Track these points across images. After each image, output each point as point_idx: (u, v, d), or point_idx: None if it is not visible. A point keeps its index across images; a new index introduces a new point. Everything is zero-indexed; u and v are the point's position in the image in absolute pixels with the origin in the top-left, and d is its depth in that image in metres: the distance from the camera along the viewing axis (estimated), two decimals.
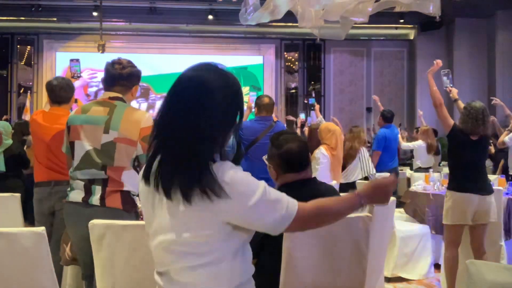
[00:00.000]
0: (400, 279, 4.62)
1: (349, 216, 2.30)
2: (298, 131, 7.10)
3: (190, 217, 1.39)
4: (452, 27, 12.18)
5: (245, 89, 13.00)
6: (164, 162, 1.42)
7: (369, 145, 8.50)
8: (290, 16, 5.32)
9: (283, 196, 1.48)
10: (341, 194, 2.53)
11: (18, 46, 12.21)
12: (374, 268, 2.56)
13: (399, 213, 5.35)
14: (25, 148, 5.90)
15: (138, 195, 2.69)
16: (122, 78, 2.70)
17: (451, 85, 4.32)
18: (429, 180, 5.48)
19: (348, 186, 5.61)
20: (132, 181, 2.61)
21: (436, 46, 12.53)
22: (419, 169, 7.46)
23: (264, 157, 2.44)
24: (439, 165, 8.49)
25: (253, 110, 4.82)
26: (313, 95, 9.84)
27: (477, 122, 3.80)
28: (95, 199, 2.54)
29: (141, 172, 1.51)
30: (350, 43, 12.08)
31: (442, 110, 3.93)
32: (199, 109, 1.42)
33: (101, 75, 2.82)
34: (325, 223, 1.61)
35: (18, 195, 3.20)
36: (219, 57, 12.71)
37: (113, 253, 2.15)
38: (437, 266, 4.76)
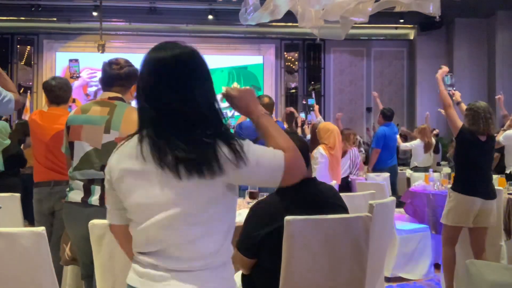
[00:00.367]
0: (400, 279, 4.62)
1: (349, 216, 2.31)
2: (299, 130, 7.09)
3: (193, 189, 1.40)
4: (452, 27, 12.19)
5: None
6: (163, 137, 1.41)
7: (366, 146, 8.53)
8: (290, 16, 5.32)
9: (269, 149, 1.52)
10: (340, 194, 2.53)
11: (18, 46, 12.22)
12: (374, 268, 2.56)
13: (399, 213, 5.35)
14: (21, 147, 5.92)
15: None
16: (120, 78, 2.70)
17: (454, 88, 4.32)
18: (429, 180, 5.48)
19: (344, 185, 5.65)
20: None
21: (436, 46, 12.54)
22: (416, 168, 7.46)
23: None
24: (438, 165, 8.48)
25: None
26: (313, 95, 9.83)
27: (486, 121, 3.81)
28: (95, 199, 2.54)
29: (130, 151, 1.50)
30: (350, 43, 12.08)
31: (451, 112, 3.92)
32: (192, 80, 1.46)
33: (100, 74, 2.80)
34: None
35: (18, 195, 3.20)
36: (219, 57, 12.72)
37: (113, 253, 2.14)
38: (437, 266, 4.77)
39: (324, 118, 8.00)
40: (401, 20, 12.06)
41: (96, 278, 2.24)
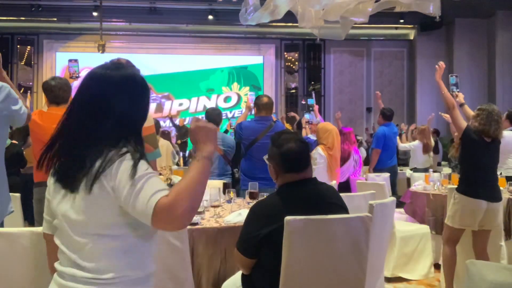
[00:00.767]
0: (400, 279, 4.62)
1: (349, 216, 2.31)
2: (304, 131, 7.05)
3: (93, 203, 1.47)
4: (452, 27, 12.19)
5: (245, 89, 13.00)
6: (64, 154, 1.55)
7: (366, 146, 8.52)
8: (290, 16, 5.32)
9: (157, 187, 1.42)
10: (341, 194, 2.53)
11: (18, 46, 12.23)
12: (374, 268, 2.56)
13: (399, 213, 5.35)
14: (22, 148, 5.93)
15: None
16: None
17: (457, 89, 4.29)
18: (429, 180, 5.47)
19: (343, 185, 5.64)
20: None
21: (436, 46, 12.55)
22: (416, 169, 7.45)
23: (265, 157, 2.44)
24: (439, 165, 8.48)
25: (252, 110, 4.82)
26: (313, 95, 9.82)
27: (497, 124, 3.79)
28: None
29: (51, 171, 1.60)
30: (350, 43, 12.10)
31: (456, 113, 3.88)
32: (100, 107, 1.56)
33: None
34: (192, 201, 1.42)
35: (18, 195, 3.20)
36: (219, 57, 12.74)
37: None
38: (437, 266, 4.76)
39: (324, 118, 8.00)
40: (401, 20, 12.07)
41: None
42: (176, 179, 4.26)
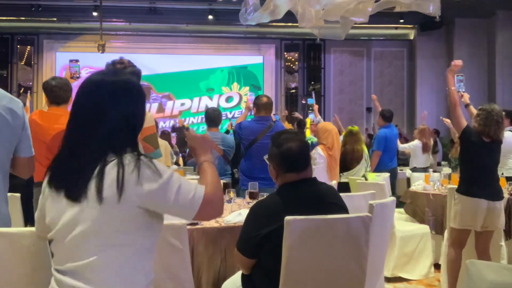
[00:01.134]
0: (400, 279, 4.62)
1: (349, 216, 2.31)
2: (309, 132, 7.05)
3: (105, 212, 1.46)
4: (452, 27, 12.19)
5: (245, 89, 13.01)
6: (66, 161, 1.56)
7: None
8: (290, 16, 5.32)
9: (192, 182, 1.60)
10: (341, 194, 2.53)
11: (18, 46, 12.23)
12: (374, 268, 2.56)
13: (399, 213, 5.35)
14: None
15: None
16: None
17: (463, 90, 4.27)
18: (429, 180, 5.47)
19: (343, 185, 5.65)
20: None
21: (436, 46, 12.54)
22: (415, 169, 7.45)
23: (265, 157, 2.44)
24: (439, 165, 8.48)
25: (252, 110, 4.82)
26: (313, 95, 9.83)
27: (498, 125, 3.75)
28: None
29: (47, 179, 1.64)
30: (350, 43, 12.09)
31: (457, 110, 3.83)
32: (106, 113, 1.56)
33: None
34: (222, 192, 1.69)
35: (18, 195, 3.20)
36: (219, 57, 12.74)
37: None
38: (437, 266, 4.76)
39: (324, 118, 8.01)
40: (401, 20, 12.07)
41: None
42: None
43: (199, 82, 12.85)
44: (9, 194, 2.36)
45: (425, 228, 4.86)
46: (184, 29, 12.34)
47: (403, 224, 5.01)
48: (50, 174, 1.60)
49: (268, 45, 13.17)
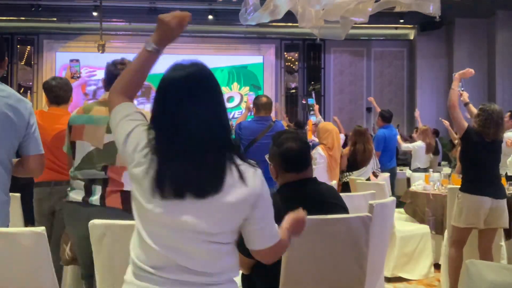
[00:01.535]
0: (400, 279, 4.62)
1: (349, 216, 2.31)
2: (310, 133, 7.05)
3: (225, 211, 1.43)
4: (452, 27, 12.18)
5: (245, 89, 13.00)
6: (190, 163, 1.42)
7: None
8: (290, 16, 5.32)
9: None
10: (341, 194, 2.53)
11: (18, 46, 12.22)
12: (374, 268, 2.56)
13: (399, 213, 5.35)
14: None
15: None
16: None
17: (462, 89, 4.27)
18: (429, 180, 5.47)
19: (346, 185, 5.66)
20: None
21: (436, 46, 12.54)
22: (418, 170, 7.46)
23: (266, 156, 2.44)
24: (439, 165, 8.49)
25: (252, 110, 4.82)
26: (313, 95, 9.83)
27: (497, 126, 3.75)
28: (95, 199, 2.54)
29: (155, 183, 1.43)
30: (350, 43, 12.08)
31: (456, 111, 3.82)
32: (217, 100, 1.49)
33: (99, 73, 2.82)
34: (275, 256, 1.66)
35: (18, 195, 3.20)
36: (219, 57, 12.73)
37: (113, 253, 2.14)
38: (437, 266, 4.76)
39: (324, 118, 8.00)
40: (401, 20, 12.06)
41: (96, 278, 2.24)
42: None
43: None
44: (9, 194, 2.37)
45: (425, 228, 4.86)
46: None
47: (403, 224, 5.02)
48: None
49: (268, 45, 13.16)
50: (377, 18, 5.94)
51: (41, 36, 12.38)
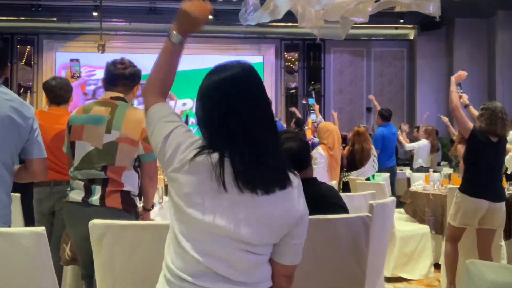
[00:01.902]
0: (400, 279, 4.62)
1: (349, 216, 2.31)
2: (310, 132, 7.07)
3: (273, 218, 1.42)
4: (452, 27, 12.18)
5: None
6: (251, 159, 1.37)
7: None
8: (290, 16, 5.32)
9: None
10: (341, 193, 2.53)
11: (18, 46, 12.22)
12: (374, 268, 2.56)
13: (399, 213, 5.35)
14: None
15: (138, 196, 2.70)
16: (124, 77, 2.70)
17: (461, 91, 4.27)
18: (429, 180, 5.47)
19: (345, 185, 5.67)
20: (132, 181, 2.61)
21: (436, 46, 12.54)
22: (422, 168, 7.47)
23: None
24: (439, 165, 8.49)
25: None
26: (313, 95, 9.83)
27: (503, 122, 3.75)
28: (95, 199, 2.54)
29: (216, 176, 1.37)
30: (350, 43, 12.07)
31: (459, 113, 3.82)
32: (265, 98, 1.48)
33: (99, 72, 2.82)
34: (287, 284, 1.58)
35: (18, 195, 3.20)
36: (219, 57, 12.70)
37: (113, 253, 2.14)
38: (437, 266, 4.76)
39: (324, 118, 8.00)
40: (401, 20, 12.06)
41: (96, 278, 2.24)
42: None
43: (199, 81, 12.81)
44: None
45: (425, 228, 4.86)
46: None
47: (403, 224, 5.02)
48: None
49: (268, 45, 13.16)
50: (377, 18, 5.93)
51: (41, 36, 12.38)
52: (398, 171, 7.53)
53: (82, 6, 11.71)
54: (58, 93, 3.49)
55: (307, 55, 13.08)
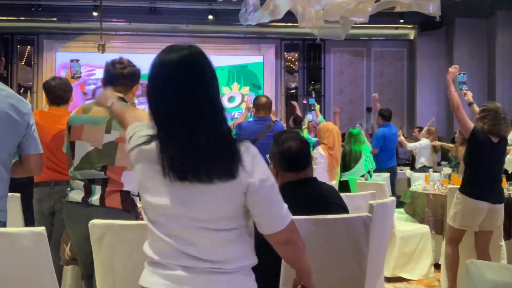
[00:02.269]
0: (400, 279, 4.62)
1: (349, 216, 2.31)
2: (307, 131, 7.10)
3: (216, 194, 1.42)
4: (452, 27, 12.18)
5: (245, 89, 13.00)
6: (172, 143, 1.41)
7: None
8: (290, 16, 5.32)
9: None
10: (341, 193, 2.53)
11: (18, 46, 12.21)
12: (374, 268, 2.56)
13: (399, 213, 5.35)
14: None
15: (138, 195, 2.70)
16: (124, 77, 2.70)
17: (466, 88, 4.25)
18: (429, 180, 5.47)
19: (343, 183, 5.69)
20: (132, 181, 2.61)
21: (436, 46, 12.53)
22: (425, 168, 7.47)
23: (267, 156, 2.45)
24: (439, 165, 8.50)
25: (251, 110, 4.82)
26: (313, 95, 9.83)
27: (505, 121, 3.75)
28: (95, 199, 2.54)
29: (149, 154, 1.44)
30: (350, 43, 12.07)
31: (460, 113, 3.79)
32: (212, 81, 1.46)
33: (99, 72, 2.82)
34: (294, 251, 1.59)
35: (18, 195, 3.21)
36: (219, 57, 12.71)
37: (113, 253, 2.14)
38: (437, 266, 4.76)
39: (324, 118, 8.01)
40: (401, 20, 12.05)
41: (96, 278, 2.24)
42: None
43: None
44: (9, 194, 2.37)
45: (425, 228, 4.86)
46: (184, 29, 12.33)
47: (403, 224, 5.02)
48: None
49: (268, 45, 13.16)
50: (377, 18, 5.93)
51: (41, 36, 12.38)
52: (398, 171, 7.53)
53: (82, 6, 11.71)
54: (58, 93, 3.49)
55: (307, 55, 13.08)
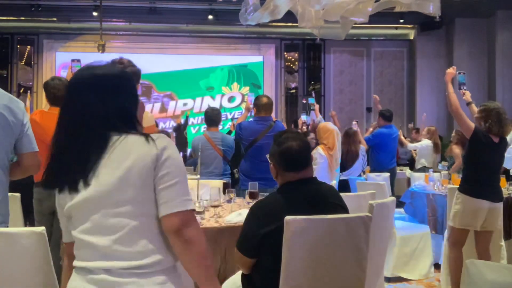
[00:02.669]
0: (400, 279, 4.62)
1: (349, 216, 2.31)
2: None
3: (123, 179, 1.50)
4: (452, 27, 12.19)
5: (245, 89, 13.00)
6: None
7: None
8: (290, 16, 5.32)
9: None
10: (340, 193, 2.53)
11: (18, 46, 12.22)
12: (374, 268, 2.56)
13: (399, 213, 5.35)
14: None
15: None
16: None
17: (465, 88, 4.25)
18: (429, 180, 5.48)
19: (342, 182, 5.71)
20: None
21: (436, 46, 12.54)
22: (425, 168, 7.47)
23: (267, 156, 2.45)
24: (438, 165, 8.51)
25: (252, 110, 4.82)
26: (313, 95, 9.82)
27: (506, 120, 3.76)
28: None
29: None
30: (350, 43, 12.08)
31: (459, 114, 3.79)
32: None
33: None
34: (195, 250, 1.49)
35: (18, 195, 3.20)
36: (219, 57, 12.73)
37: None
38: (437, 266, 4.76)
39: (324, 118, 8.01)
40: (401, 20, 12.06)
41: None
42: None
43: (199, 81, 12.84)
44: (9, 194, 2.38)
45: (425, 228, 4.86)
46: (184, 29, 12.33)
47: (403, 224, 5.02)
48: None
49: (268, 45, 13.16)
50: (377, 18, 5.93)
51: (41, 36, 12.38)
52: (398, 171, 7.54)
53: (82, 6, 11.71)
54: (58, 93, 3.49)
55: (307, 55, 13.08)
